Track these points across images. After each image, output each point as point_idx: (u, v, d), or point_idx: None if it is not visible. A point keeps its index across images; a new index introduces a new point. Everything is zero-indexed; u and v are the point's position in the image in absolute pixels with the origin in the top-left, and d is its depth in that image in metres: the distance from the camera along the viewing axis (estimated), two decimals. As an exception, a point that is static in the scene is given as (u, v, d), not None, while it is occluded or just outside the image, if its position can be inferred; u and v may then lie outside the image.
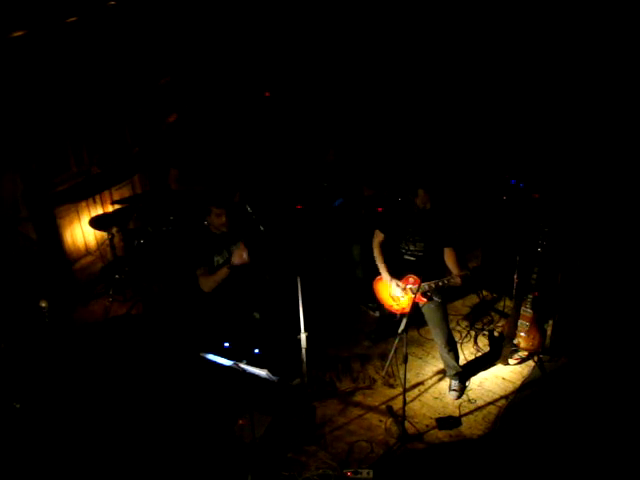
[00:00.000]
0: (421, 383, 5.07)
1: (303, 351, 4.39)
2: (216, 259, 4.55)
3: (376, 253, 4.85)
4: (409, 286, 4.71)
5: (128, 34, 6.26)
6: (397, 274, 4.77)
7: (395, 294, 4.79)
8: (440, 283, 4.56)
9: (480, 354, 5.36)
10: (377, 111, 7.48)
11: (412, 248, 4.70)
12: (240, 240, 4.52)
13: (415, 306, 4.66)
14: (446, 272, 4.68)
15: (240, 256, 4.39)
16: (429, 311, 4.77)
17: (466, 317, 5.82)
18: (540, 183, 6.00)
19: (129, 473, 4.27)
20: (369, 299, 5.57)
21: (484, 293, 6.05)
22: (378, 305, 5.21)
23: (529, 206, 5.80)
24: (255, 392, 4.19)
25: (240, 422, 4.43)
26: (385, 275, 4.80)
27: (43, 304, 5.24)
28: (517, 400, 4.83)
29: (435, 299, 4.68)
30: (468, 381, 5.04)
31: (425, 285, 4.55)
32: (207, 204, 4.50)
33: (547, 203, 5.74)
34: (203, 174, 6.17)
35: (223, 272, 4.42)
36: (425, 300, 4.67)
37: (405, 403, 4.53)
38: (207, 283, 4.46)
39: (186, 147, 6.52)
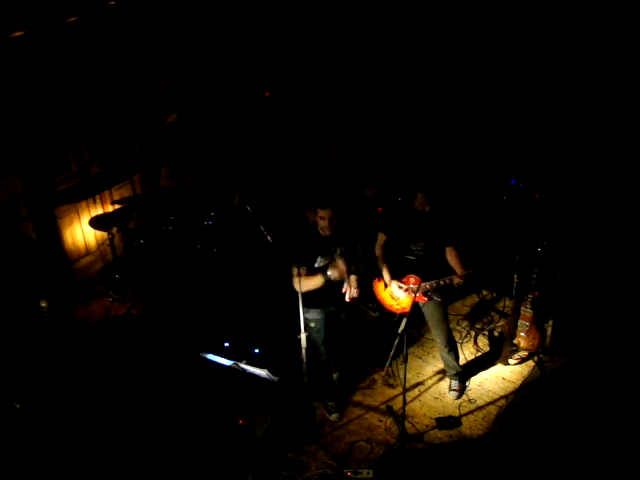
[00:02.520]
0: (421, 383, 5.07)
1: (303, 351, 4.39)
2: (320, 260, 4.42)
3: (378, 255, 4.84)
4: (410, 286, 4.70)
5: (128, 34, 6.26)
6: (398, 273, 4.77)
7: (397, 295, 4.79)
8: (441, 282, 4.56)
9: (480, 354, 5.36)
10: (377, 110, 7.47)
11: (413, 247, 4.69)
12: (341, 246, 4.43)
13: (415, 306, 4.65)
14: (447, 271, 4.68)
15: (340, 272, 4.30)
16: (429, 311, 4.77)
17: (466, 317, 5.82)
18: (540, 183, 6.00)
19: (129, 473, 4.27)
20: (369, 299, 5.56)
21: (484, 293, 6.05)
22: (378, 305, 5.20)
23: (529, 206, 5.80)
24: (255, 392, 4.19)
25: (240, 422, 4.43)
26: (387, 277, 4.79)
27: (43, 304, 5.24)
28: (517, 400, 4.83)
29: (435, 299, 4.68)
30: (468, 381, 5.04)
31: (426, 285, 4.55)
32: (313, 205, 4.39)
33: (547, 203, 5.74)
34: (197, 169, 6.17)
35: (319, 280, 4.30)
36: (426, 299, 4.67)
37: (405, 403, 4.53)
38: (303, 285, 4.24)
39: (185, 146, 6.52)
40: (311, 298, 4.36)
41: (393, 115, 7.43)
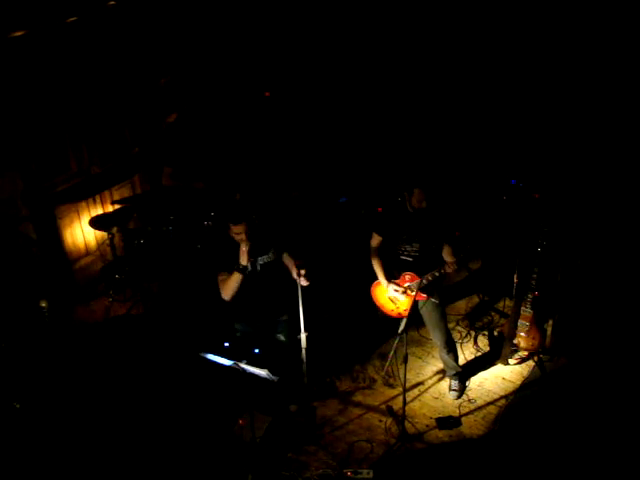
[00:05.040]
0: (421, 383, 5.07)
1: (303, 351, 4.39)
2: (260, 259, 4.32)
3: (373, 257, 4.76)
4: (407, 284, 4.68)
5: (128, 34, 6.26)
6: (394, 275, 4.75)
7: (394, 296, 4.76)
8: (437, 273, 4.51)
9: (480, 354, 5.36)
10: (377, 111, 7.48)
11: (409, 249, 4.65)
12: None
13: (415, 307, 4.64)
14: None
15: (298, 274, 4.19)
16: (427, 313, 4.73)
17: (466, 317, 5.82)
18: (540, 183, 6.01)
19: (129, 473, 4.28)
20: (366, 304, 5.49)
21: (484, 293, 6.04)
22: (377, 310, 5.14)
23: (529, 206, 5.80)
24: (255, 392, 4.20)
25: (240, 422, 4.43)
26: (382, 279, 4.75)
27: (43, 304, 5.24)
28: (517, 400, 4.83)
29: (433, 300, 4.65)
30: (468, 381, 5.04)
31: (423, 280, 4.51)
32: (225, 221, 4.19)
33: (547, 203, 5.74)
34: (201, 171, 6.17)
35: (236, 277, 4.16)
36: (425, 297, 4.63)
37: (405, 403, 4.53)
38: (224, 289, 4.24)
39: (185, 146, 6.53)
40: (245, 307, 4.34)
41: (394, 115, 7.44)
